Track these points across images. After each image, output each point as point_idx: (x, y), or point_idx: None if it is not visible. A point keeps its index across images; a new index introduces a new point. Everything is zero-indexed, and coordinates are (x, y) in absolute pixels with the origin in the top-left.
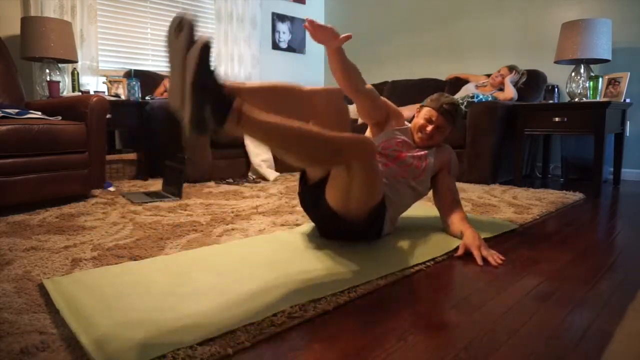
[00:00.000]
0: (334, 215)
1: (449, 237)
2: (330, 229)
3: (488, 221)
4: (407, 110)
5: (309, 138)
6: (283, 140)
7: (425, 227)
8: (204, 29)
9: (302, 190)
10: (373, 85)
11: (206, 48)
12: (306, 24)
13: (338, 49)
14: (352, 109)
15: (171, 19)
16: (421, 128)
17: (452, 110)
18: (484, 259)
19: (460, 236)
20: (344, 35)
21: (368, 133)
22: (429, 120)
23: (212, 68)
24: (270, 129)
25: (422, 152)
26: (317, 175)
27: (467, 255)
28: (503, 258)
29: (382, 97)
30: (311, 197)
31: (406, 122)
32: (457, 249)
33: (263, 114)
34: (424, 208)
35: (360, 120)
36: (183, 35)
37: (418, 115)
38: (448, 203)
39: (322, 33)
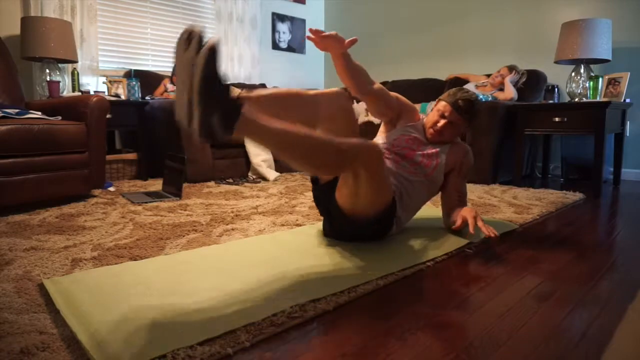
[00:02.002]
0: (343, 215)
1: (449, 237)
2: (337, 227)
3: (488, 221)
4: None
5: (315, 145)
6: (289, 148)
7: (426, 227)
8: (204, 29)
9: (314, 187)
10: None
11: (213, 51)
12: (309, 34)
13: (343, 53)
14: (357, 108)
15: (181, 31)
16: (433, 123)
17: (467, 106)
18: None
19: (451, 225)
20: (349, 40)
21: (381, 130)
22: (441, 115)
23: (219, 74)
24: (276, 136)
25: (434, 150)
26: (327, 178)
27: (467, 255)
28: (497, 233)
29: (393, 93)
30: (322, 195)
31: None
32: (458, 248)
33: (270, 120)
34: (424, 208)
35: (361, 119)
36: (192, 45)
37: (433, 109)
38: (453, 203)
39: (326, 42)
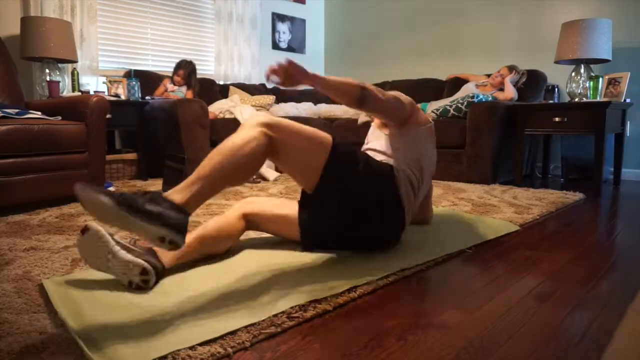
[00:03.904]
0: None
1: (449, 238)
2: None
3: (488, 222)
4: None
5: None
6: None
7: (425, 227)
8: (204, 29)
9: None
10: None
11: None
12: (269, 73)
13: (316, 81)
14: (340, 110)
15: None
16: None
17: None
18: None
19: None
20: (309, 76)
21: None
22: None
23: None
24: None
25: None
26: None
27: (467, 255)
28: None
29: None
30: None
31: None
32: (458, 249)
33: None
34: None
35: (361, 120)
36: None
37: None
38: None
39: (292, 81)
